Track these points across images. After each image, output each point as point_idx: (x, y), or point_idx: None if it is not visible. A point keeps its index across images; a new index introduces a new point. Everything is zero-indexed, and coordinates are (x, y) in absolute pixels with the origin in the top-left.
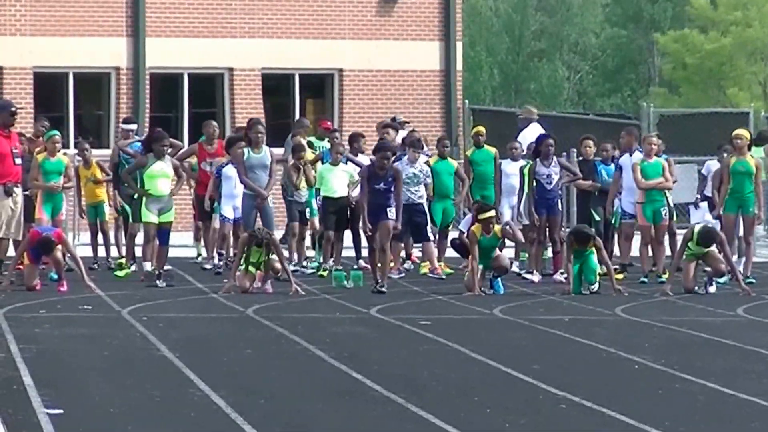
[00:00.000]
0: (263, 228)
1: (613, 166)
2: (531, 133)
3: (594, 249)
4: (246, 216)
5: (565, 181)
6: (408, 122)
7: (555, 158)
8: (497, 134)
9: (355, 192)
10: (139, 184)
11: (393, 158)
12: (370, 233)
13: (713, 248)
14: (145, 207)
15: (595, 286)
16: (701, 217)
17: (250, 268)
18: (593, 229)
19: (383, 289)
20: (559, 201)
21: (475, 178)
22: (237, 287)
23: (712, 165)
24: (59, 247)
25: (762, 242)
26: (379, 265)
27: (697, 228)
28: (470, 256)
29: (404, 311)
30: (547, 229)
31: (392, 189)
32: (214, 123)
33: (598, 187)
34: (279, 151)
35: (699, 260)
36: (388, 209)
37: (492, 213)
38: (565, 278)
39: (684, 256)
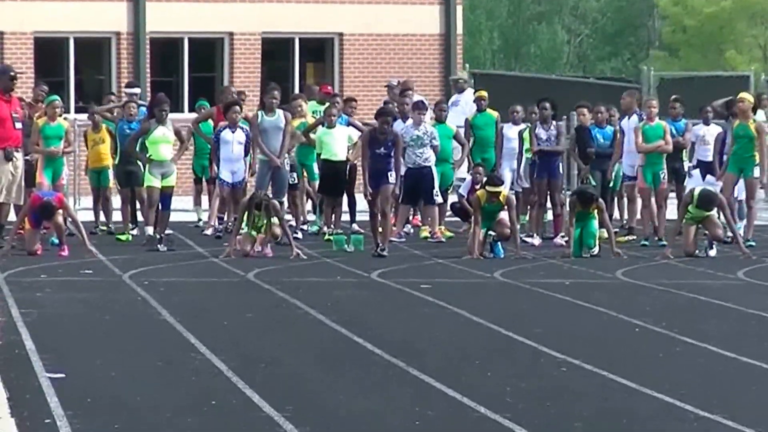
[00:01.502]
0: (262, 192)
1: (608, 128)
2: (470, 97)
3: (596, 211)
4: (259, 180)
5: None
6: (465, 80)
7: (554, 122)
8: (497, 98)
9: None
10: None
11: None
12: (371, 198)
13: (713, 212)
14: (147, 172)
15: (595, 250)
16: (695, 184)
17: (251, 231)
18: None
19: (384, 253)
20: (560, 164)
21: (476, 141)
22: (238, 251)
23: (699, 130)
24: (60, 211)
25: (761, 205)
26: (380, 229)
27: (697, 191)
28: (472, 220)
29: (405, 275)
30: (548, 192)
31: (392, 154)
32: (233, 88)
33: (593, 152)
34: None
35: (699, 224)
36: (388, 174)
37: (501, 189)
38: (566, 241)
39: (684, 220)
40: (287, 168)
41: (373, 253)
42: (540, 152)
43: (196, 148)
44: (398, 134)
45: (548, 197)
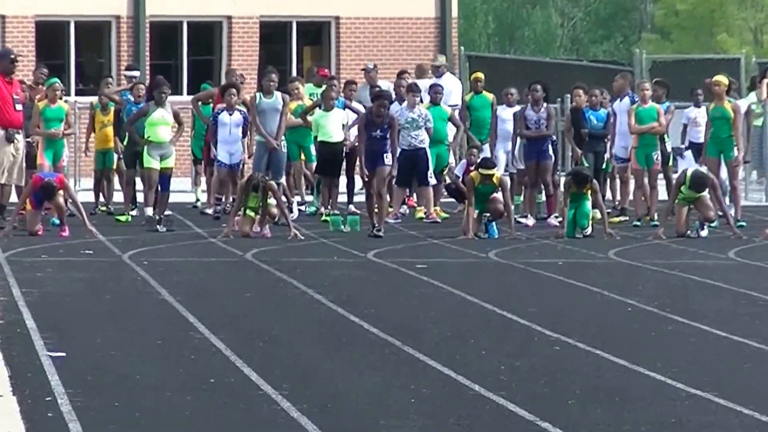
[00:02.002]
0: (260, 173)
1: (602, 111)
2: (449, 82)
3: (590, 192)
4: (256, 162)
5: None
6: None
7: (545, 105)
8: (492, 81)
9: (351, 136)
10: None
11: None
12: (367, 179)
13: (705, 193)
14: (147, 153)
15: (588, 230)
16: (688, 165)
17: (249, 212)
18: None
19: (380, 234)
20: (550, 146)
21: (471, 123)
22: (236, 231)
23: (690, 112)
24: (61, 192)
25: (753, 186)
26: (376, 209)
27: (689, 172)
28: (466, 201)
29: (401, 255)
30: (538, 174)
31: (388, 136)
32: (239, 72)
33: (586, 133)
34: None
35: (691, 205)
36: (384, 155)
37: (494, 172)
38: (560, 221)
39: (676, 201)
40: (284, 150)
41: (370, 233)
42: (526, 137)
43: (195, 130)
44: (394, 117)
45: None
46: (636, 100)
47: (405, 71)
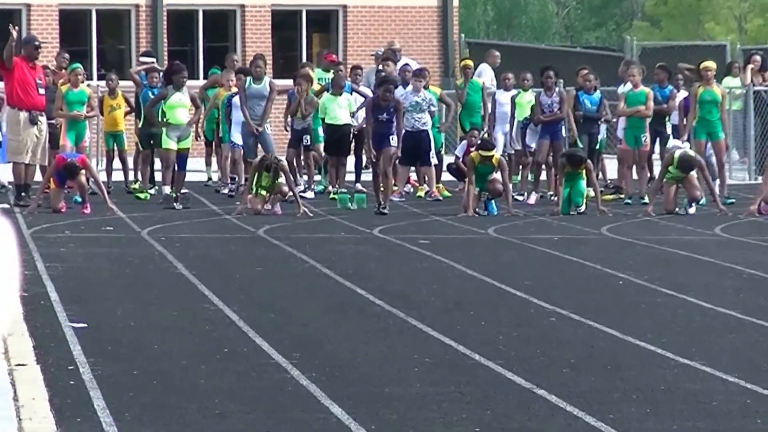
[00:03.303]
0: (273, 155)
1: (596, 94)
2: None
3: (585, 172)
4: (245, 141)
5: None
6: (400, 49)
7: (557, 89)
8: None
9: (359, 119)
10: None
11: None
12: (374, 159)
13: (693, 173)
14: (165, 135)
15: (582, 207)
16: (677, 142)
17: (261, 191)
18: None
19: (385, 211)
20: (563, 128)
21: (464, 106)
22: (249, 209)
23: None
24: (83, 171)
25: (737, 166)
26: (381, 188)
27: (677, 154)
28: (467, 180)
29: (404, 231)
30: (551, 152)
31: (394, 119)
32: (235, 57)
33: (581, 115)
34: (288, 82)
35: (679, 184)
36: (390, 137)
37: (494, 153)
38: (555, 200)
39: (665, 179)
40: (268, 131)
41: (375, 210)
42: (540, 121)
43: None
44: (399, 101)
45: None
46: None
47: (399, 50)
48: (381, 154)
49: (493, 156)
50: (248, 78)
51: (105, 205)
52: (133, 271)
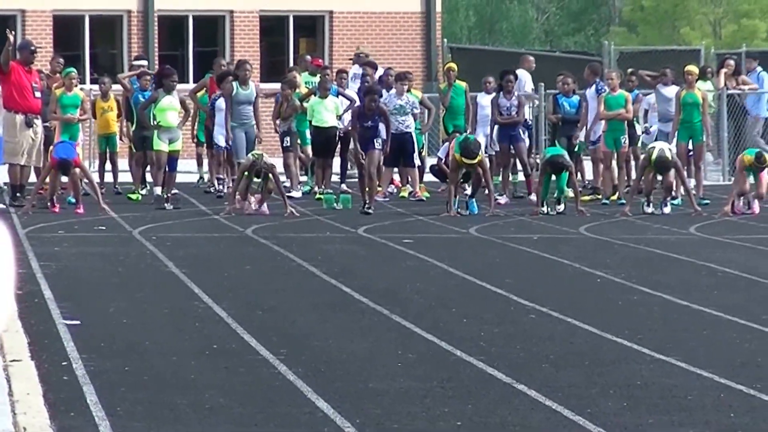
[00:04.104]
0: (264, 159)
1: (574, 97)
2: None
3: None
4: (237, 148)
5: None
6: (367, 55)
7: (516, 92)
8: (473, 70)
9: (345, 121)
10: (136, 116)
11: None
12: (363, 160)
13: (670, 172)
14: (156, 137)
15: (561, 207)
16: (651, 139)
17: (249, 192)
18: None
19: (370, 211)
20: (525, 130)
21: (447, 109)
22: (237, 209)
23: (651, 99)
24: (77, 170)
25: (712, 167)
26: (367, 189)
27: (654, 155)
28: (449, 180)
29: (389, 231)
30: (513, 156)
31: (379, 126)
32: (223, 60)
33: (560, 118)
34: (276, 85)
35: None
36: (375, 140)
37: (475, 161)
38: (535, 201)
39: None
40: (254, 131)
41: (361, 210)
42: (498, 123)
43: (199, 117)
44: (384, 109)
45: (516, 161)
46: (606, 88)
47: (366, 54)
48: (366, 156)
49: (475, 164)
50: (235, 83)
51: (98, 205)
52: (125, 270)
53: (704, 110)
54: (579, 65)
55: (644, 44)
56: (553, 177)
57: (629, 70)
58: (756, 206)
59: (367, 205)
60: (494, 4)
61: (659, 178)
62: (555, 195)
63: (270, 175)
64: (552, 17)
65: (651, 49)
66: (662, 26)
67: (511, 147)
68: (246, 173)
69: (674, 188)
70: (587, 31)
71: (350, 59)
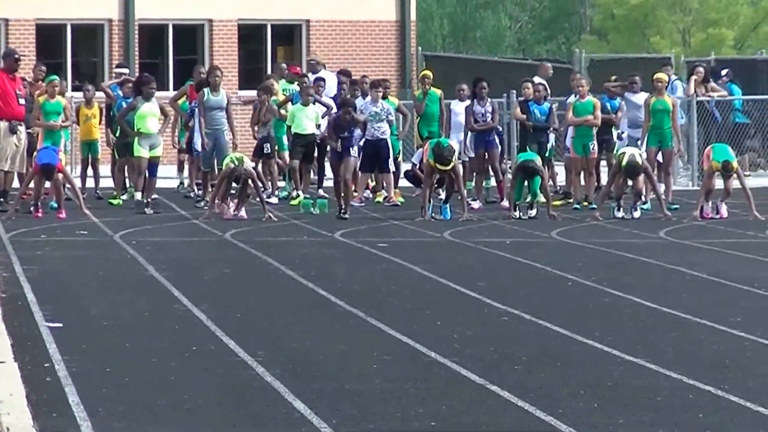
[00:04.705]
0: (244, 165)
1: (545, 104)
2: (327, 76)
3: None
4: (206, 153)
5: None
6: (318, 62)
7: (489, 99)
8: (447, 77)
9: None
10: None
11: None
12: (338, 148)
13: (640, 177)
14: (136, 143)
15: (533, 212)
16: (623, 145)
17: (228, 196)
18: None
19: (346, 216)
20: (496, 136)
21: (422, 116)
22: (217, 214)
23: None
24: (60, 175)
25: (680, 173)
26: (342, 195)
27: (624, 161)
28: (423, 185)
29: (364, 235)
30: (487, 161)
31: (354, 134)
32: (202, 68)
33: (531, 125)
34: (254, 93)
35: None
36: (350, 149)
37: (449, 167)
38: (508, 207)
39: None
40: (226, 138)
41: (337, 215)
42: (473, 130)
43: (180, 124)
44: (358, 119)
45: (489, 167)
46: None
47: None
48: (342, 164)
49: (449, 170)
50: (206, 90)
51: (80, 210)
52: (107, 273)
53: (674, 117)
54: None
55: (615, 52)
56: (526, 183)
57: (613, 77)
58: (723, 210)
59: (343, 210)
60: (468, 13)
61: (629, 183)
62: (528, 200)
63: (249, 180)
64: (524, 26)
65: (621, 57)
66: (632, 34)
67: (486, 153)
68: (226, 180)
69: (644, 193)
70: (559, 39)
71: (330, 67)
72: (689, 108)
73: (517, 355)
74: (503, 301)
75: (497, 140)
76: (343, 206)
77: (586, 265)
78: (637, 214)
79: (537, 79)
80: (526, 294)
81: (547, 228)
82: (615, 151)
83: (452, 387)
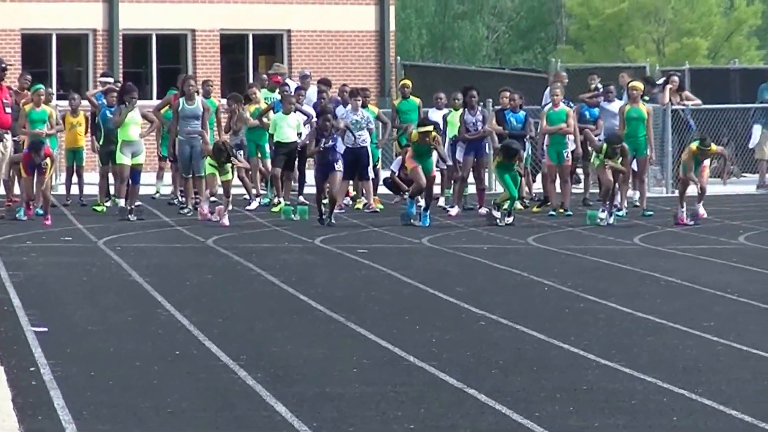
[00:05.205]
0: (221, 141)
1: (521, 112)
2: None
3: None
4: (181, 156)
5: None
6: (283, 73)
7: (480, 107)
8: (425, 86)
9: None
10: (103, 131)
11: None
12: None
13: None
14: (119, 151)
15: (510, 219)
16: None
17: (212, 170)
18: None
19: (332, 222)
20: (487, 145)
21: (401, 124)
22: (206, 220)
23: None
24: (47, 161)
25: (655, 181)
26: (325, 201)
27: (605, 145)
28: (413, 165)
29: (344, 241)
30: (474, 169)
31: (337, 144)
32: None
33: (506, 132)
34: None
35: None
36: (335, 163)
37: (430, 128)
38: (486, 213)
39: (597, 166)
40: (200, 145)
41: (319, 218)
42: (465, 140)
43: (162, 132)
44: (339, 126)
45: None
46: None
47: (285, 84)
48: (329, 179)
49: (430, 132)
50: (181, 99)
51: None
52: (91, 279)
53: (649, 125)
54: (527, 82)
55: (590, 61)
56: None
57: (593, 86)
58: (701, 210)
59: (325, 215)
60: (446, 24)
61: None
62: (505, 207)
63: (231, 164)
64: (501, 36)
65: (597, 66)
66: (607, 44)
67: (476, 160)
68: (214, 158)
69: (621, 200)
70: (535, 48)
71: (297, 74)
72: (664, 116)
73: (495, 360)
74: (481, 306)
75: (487, 148)
76: (325, 214)
77: (562, 271)
78: (611, 219)
79: (554, 87)
80: (503, 299)
81: (523, 234)
82: (590, 159)
83: (430, 391)
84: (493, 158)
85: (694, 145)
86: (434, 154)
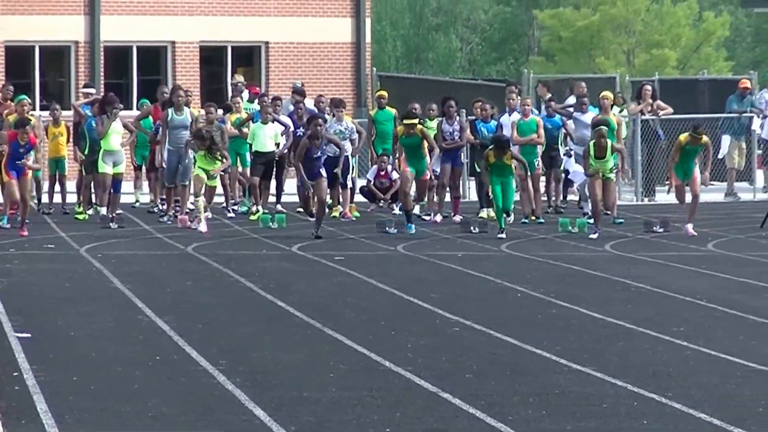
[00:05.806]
0: (208, 126)
1: (492, 122)
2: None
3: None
4: (169, 170)
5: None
6: (244, 83)
7: (457, 117)
8: (400, 97)
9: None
10: (89, 141)
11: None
12: (310, 193)
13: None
14: (101, 160)
15: (503, 235)
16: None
17: (200, 172)
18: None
19: (320, 235)
20: (463, 154)
21: (377, 134)
22: (184, 221)
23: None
24: (33, 154)
25: (625, 189)
26: (317, 216)
27: (591, 142)
28: (404, 168)
29: (321, 248)
30: (451, 178)
31: (323, 155)
32: (165, 88)
33: (478, 142)
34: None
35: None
36: (321, 170)
37: (415, 120)
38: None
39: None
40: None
41: (314, 235)
42: (443, 149)
43: (137, 141)
44: (329, 137)
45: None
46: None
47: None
48: (316, 185)
49: (415, 124)
50: (170, 110)
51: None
52: (73, 286)
53: (618, 135)
54: (500, 92)
55: (562, 72)
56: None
57: (548, 96)
58: (690, 229)
59: (316, 231)
60: (420, 35)
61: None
62: (506, 206)
63: (219, 153)
64: (475, 47)
65: (568, 77)
66: (579, 55)
67: (452, 169)
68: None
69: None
70: (508, 60)
71: (290, 87)
72: (634, 126)
73: (469, 364)
74: (455, 312)
75: (463, 157)
76: (315, 229)
77: (534, 278)
78: (594, 236)
79: (572, 98)
80: (477, 305)
81: (497, 242)
82: (560, 167)
83: (406, 395)
84: (477, 163)
85: (683, 136)
86: (427, 158)
